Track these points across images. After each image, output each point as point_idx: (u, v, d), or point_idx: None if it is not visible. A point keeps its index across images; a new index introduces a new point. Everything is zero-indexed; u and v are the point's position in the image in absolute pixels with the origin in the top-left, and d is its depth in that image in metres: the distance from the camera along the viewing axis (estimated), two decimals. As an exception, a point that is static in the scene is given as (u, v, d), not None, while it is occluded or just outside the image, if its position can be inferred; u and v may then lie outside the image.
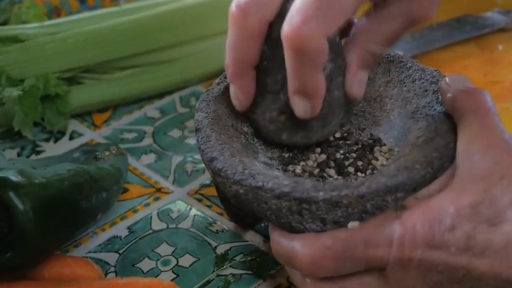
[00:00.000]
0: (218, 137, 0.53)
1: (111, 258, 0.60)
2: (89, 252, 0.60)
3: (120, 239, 0.61)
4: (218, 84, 0.58)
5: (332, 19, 0.47)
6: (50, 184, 0.53)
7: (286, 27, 0.47)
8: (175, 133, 0.74)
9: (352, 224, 0.47)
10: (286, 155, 0.55)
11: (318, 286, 0.48)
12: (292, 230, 0.49)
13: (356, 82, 0.52)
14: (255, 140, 0.56)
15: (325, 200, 0.46)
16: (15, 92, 0.68)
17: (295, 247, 0.48)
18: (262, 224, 0.61)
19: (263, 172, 0.49)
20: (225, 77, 0.58)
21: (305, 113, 0.51)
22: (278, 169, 0.54)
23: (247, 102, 0.53)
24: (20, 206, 0.50)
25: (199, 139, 0.53)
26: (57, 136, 0.75)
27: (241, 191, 0.49)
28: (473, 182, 0.45)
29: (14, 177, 0.51)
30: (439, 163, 0.49)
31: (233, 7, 0.49)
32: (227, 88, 0.57)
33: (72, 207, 0.55)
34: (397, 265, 0.45)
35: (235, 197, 0.50)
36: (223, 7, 0.71)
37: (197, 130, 0.54)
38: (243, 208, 0.52)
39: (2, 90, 0.68)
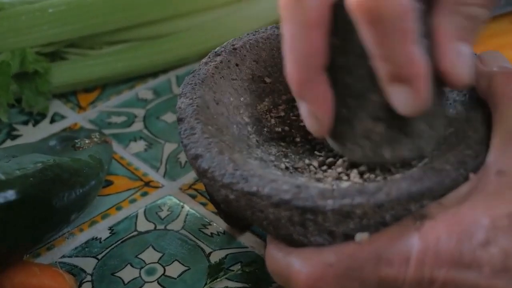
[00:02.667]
0: (205, 129, 0.44)
1: (88, 264, 0.51)
2: (64, 256, 0.52)
3: (100, 242, 0.53)
4: (206, 64, 0.49)
5: None
6: (11, 181, 0.45)
7: None
8: (169, 117, 0.65)
9: (361, 236, 0.39)
10: (288, 149, 0.47)
11: None
12: (293, 243, 0.41)
13: (455, 58, 0.39)
14: (250, 130, 0.48)
15: (334, 210, 0.38)
16: (-17, 68, 0.60)
17: (292, 264, 0.40)
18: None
19: (259, 173, 0.41)
20: (215, 55, 0.50)
21: (408, 106, 0.38)
22: (278, 165, 0.45)
23: (330, 119, 0.41)
24: (-28, 208, 0.42)
25: (182, 132, 0.45)
26: (37, 118, 0.67)
27: (232, 196, 0.41)
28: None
29: (-34, 174, 0.43)
30: (474, 163, 0.40)
31: None
32: (217, 68, 0.48)
33: (38, 208, 0.47)
34: (414, 287, 0.37)
35: (225, 202, 0.42)
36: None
37: (179, 120, 0.46)
38: (236, 214, 0.44)
39: (-29, 66, 0.61)
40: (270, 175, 0.41)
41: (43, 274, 0.48)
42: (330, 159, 0.46)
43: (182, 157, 0.60)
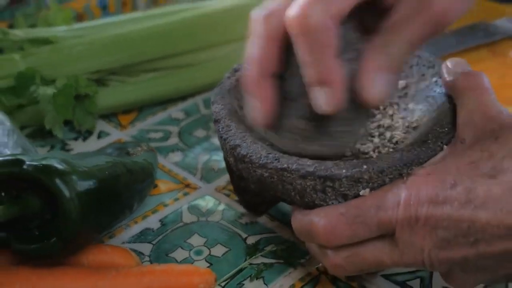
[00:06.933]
0: (238, 126, 0.55)
1: (145, 248, 0.62)
2: (124, 242, 0.62)
3: (153, 231, 0.63)
4: (229, 77, 0.61)
5: (336, 2, 0.47)
6: (92, 173, 0.55)
7: (288, 14, 0.47)
8: (200, 133, 0.76)
9: (364, 192, 0.50)
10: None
11: (336, 254, 0.50)
12: (315, 208, 0.51)
13: (370, 82, 0.49)
14: (269, 133, 0.58)
15: (347, 177, 0.49)
16: (49, 90, 0.70)
17: (313, 219, 0.50)
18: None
19: (286, 155, 0.52)
20: (235, 71, 0.61)
21: (326, 105, 0.48)
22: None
23: (269, 115, 0.51)
24: (66, 193, 0.52)
25: (220, 129, 0.55)
26: (85, 135, 0.77)
27: (266, 174, 0.51)
28: (471, 146, 0.50)
29: (59, 165, 0.53)
30: (447, 137, 0.52)
31: (255, 13, 0.50)
32: (238, 81, 0.59)
33: (111, 196, 0.57)
34: (405, 225, 0.48)
35: (259, 181, 0.52)
36: (244, 13, 0.73)
37: (216, 121, 0.56)
38: (262, 193, 0.54)
39: (36, 89, 0.71)
40: (295, 157, 0.52)
41: (114, 252, 0.58)
42: None
43: (215, 165, 0.71)
